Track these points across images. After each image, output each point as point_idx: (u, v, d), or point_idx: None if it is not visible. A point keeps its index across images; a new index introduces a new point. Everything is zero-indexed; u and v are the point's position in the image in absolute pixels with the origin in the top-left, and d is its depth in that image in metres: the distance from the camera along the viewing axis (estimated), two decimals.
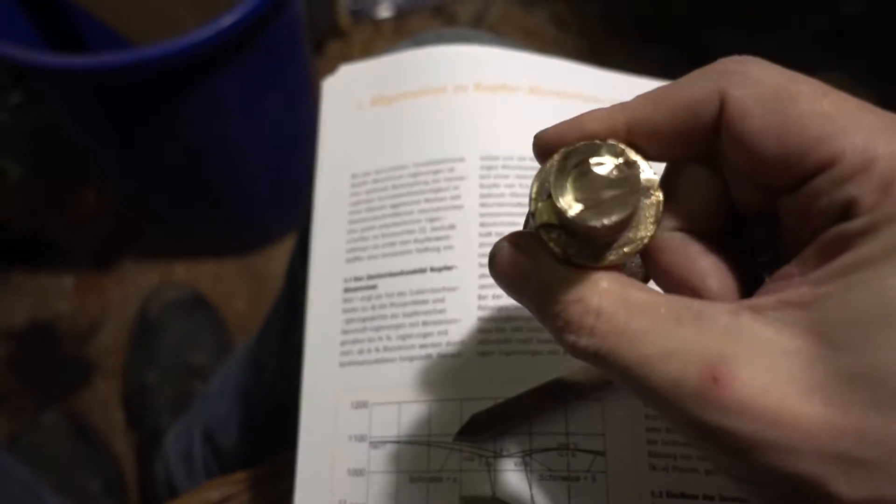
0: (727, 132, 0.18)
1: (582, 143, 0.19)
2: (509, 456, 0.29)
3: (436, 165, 0.35)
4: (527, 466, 0.29)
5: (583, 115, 0.20)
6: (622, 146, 0.19)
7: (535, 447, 0.29)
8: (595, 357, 0.18)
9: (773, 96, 0.18)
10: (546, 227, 0.19)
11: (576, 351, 0.18)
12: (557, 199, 0.18)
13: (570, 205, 0.18)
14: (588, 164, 0.18)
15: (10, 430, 0.86)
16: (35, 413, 0.86)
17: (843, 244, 0.17)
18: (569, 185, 0.18)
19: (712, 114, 0.18)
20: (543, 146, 0.21)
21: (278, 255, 1.00)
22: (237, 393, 0.56)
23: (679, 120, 0.19)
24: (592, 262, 0.19)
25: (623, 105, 0.20)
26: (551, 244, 0.19)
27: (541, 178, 0.20)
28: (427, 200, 0.34)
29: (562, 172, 0.18)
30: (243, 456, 0.55)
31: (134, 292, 0.98)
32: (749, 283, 0.20)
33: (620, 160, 0.18)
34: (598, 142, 0.19)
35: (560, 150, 0.20)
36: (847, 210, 0.17)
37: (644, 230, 0.19)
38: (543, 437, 0.29)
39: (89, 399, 0.91)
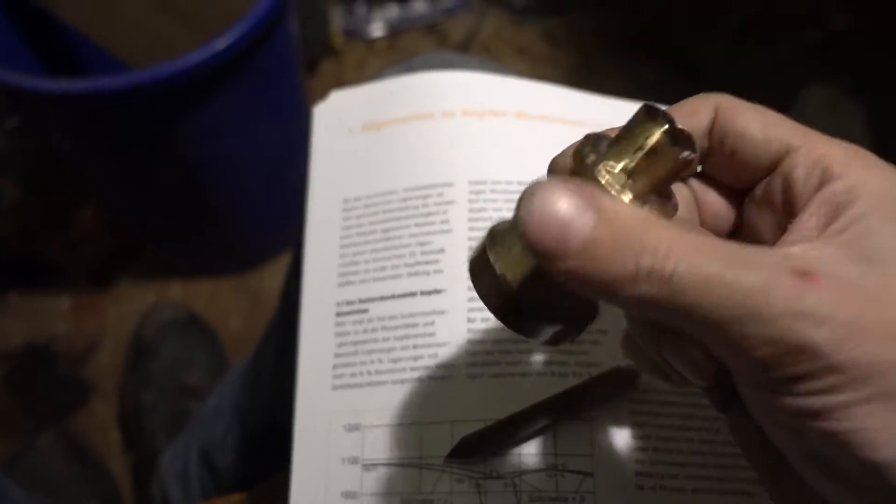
0: (724, 127, 0.23)
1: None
2: (499, 477, 0.29)
3: (425, 190, 0.36)
4: (516, 488, 0.29)
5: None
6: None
7: (524, 468, 0.29)
8: (671, 279, 0.18)
9: (752, 105, 0.23)
10: (608, 169, 0.20)
11: (650, 277, 0.18)
12: (651, 125, 0.20)
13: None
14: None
15: (7, 452, 0.86)
16: (32, 434, 0.86)
17: (836, 203, 0.20)
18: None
19: (709, 117, 0.23)
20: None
21: (273, 274, 1.00)
22: (234, 412, 0.56)
23: (686, 121, 0.22)
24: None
25: None
26: (616, 185, 0.20)
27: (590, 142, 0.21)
28: (417, 225, 0.35)
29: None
30: (240, 476, 0.56)
31: (130, 312, 0.98)
32: None
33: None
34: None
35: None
36: (825, 174, 0.21)
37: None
38: (533, 458, 0.29)
39: (86, 420, 0.92)
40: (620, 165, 0.20)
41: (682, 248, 0.18)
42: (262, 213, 0.96)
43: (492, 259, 0.21)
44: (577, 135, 0.38)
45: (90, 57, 0.86)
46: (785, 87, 1.10)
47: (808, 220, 0.21)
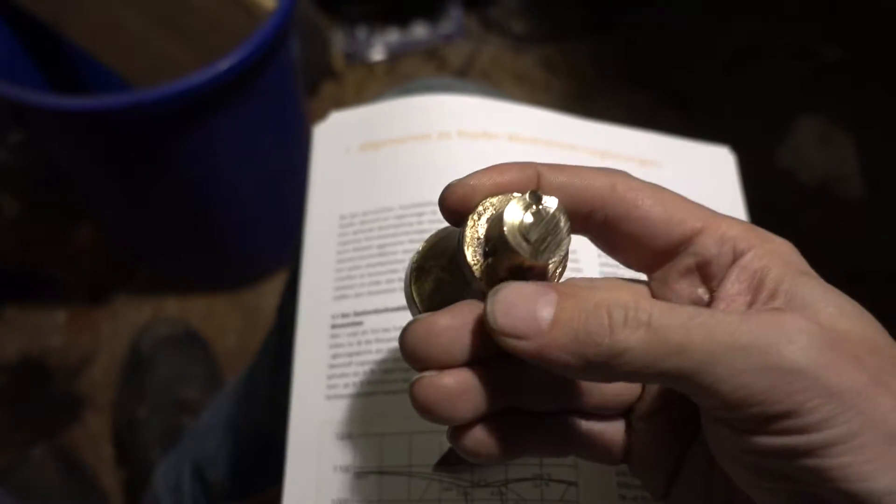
0: (622, 212, 0.23)
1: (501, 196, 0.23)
2: (486, 486, 0.30)
3: (420, 208, 0.37)
4: (503, 496, 0.30)
5: (495, 167, 0.25)
6: (542, 195, 0.21)
7: (510, 477, 0.30)
8: (650, 323, 0.19)
9: (649, 185, 0.24)
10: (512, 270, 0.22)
11: (627, 324, 0.20)
12: (518, 246, 0.21)
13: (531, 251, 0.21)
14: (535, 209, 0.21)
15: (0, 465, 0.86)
16: (24, 448, 0.86)
17: (752, 271, 0.22)
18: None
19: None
20: (463, 196, 0.24)
21: (269, 291, 1.01)
22: (227, 427, 0.57)
23: (582, 196, 0.24)
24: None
25: (532, 163, 0.25)
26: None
27: (473, 241, 0.23)
28: (411, 241, 0.36)
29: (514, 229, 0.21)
30: (232, 490, 0.56)
31: (126, 327, 0.99)
32: None
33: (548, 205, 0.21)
34: (517, 195, 0.22)
35: (481, 204, 0.23)
36: (735, 250, 0.23)
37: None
38: (519, 467, 0.30)
39: (79, 434, 0.92)
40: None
41: (645, 303, 0.20)
42: (259, 231, 0.97)
43: (416, 297, 0.25)
44: (565, 157, 0.39)
45: (95, 75, 0.88)
46: (776, 118, 1.12)
47: (731, 287, 0.22)
